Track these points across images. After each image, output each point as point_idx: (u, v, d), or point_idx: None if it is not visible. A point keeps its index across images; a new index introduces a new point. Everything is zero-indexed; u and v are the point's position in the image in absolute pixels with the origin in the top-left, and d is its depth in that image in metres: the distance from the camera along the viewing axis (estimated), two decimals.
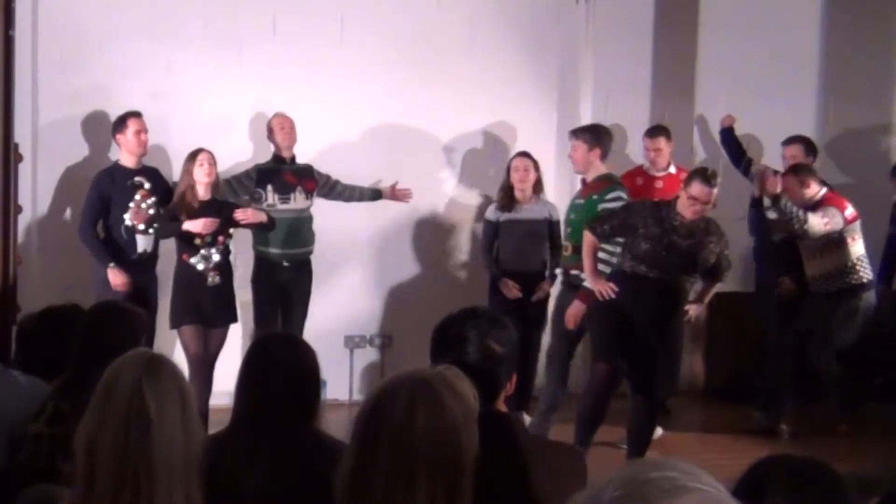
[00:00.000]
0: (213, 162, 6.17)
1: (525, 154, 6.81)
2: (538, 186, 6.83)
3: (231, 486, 2.78)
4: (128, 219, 6.31)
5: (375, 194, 7.07)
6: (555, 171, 7.55)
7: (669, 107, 7.78)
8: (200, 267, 6.13)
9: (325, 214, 6.89)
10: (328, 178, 6.89)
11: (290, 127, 6.72)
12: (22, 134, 5.89)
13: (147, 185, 6.39)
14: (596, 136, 6.31)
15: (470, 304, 2.88)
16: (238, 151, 6.95)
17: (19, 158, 5.52)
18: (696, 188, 5.42)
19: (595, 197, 6.14)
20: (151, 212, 6.36)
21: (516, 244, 6.72)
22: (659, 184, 6.96)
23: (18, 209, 5.61)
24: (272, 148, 6.74)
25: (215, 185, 6.23)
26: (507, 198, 6.76)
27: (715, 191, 5.43)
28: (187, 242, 6.12)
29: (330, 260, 7.13)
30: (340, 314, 7.22)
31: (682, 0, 7.90)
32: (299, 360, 2.93)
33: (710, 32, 7.79)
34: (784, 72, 7.84)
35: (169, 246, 6.36)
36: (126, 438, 2.13)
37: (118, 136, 6.43)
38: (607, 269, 5.77)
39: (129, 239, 6.33)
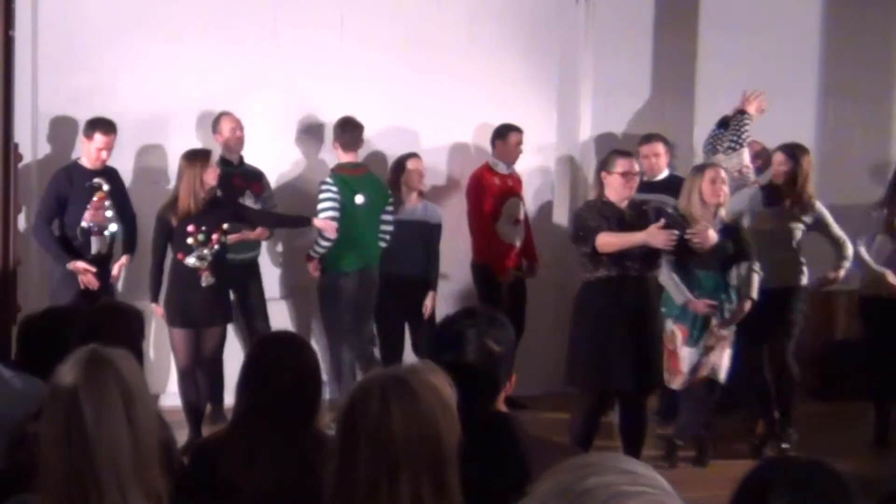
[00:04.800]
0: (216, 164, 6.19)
1: (418, 155, 6.85)
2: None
3: (231, 485, 2.79)
4: (85, 220, 6.30)
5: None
6: (555, 171, 7.54)
7: (669, 107, 7.78)
8: (195, 266, 6.06)
9: None
10: (271, 196, 6.87)
11: (239, 128, 6.70)
12: (22, 134, 5.88)
13: (106, 188, 6.37)
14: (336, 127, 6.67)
15: (468, 304, 2.88)
16: None
17: (19, 158, 5.50)
18: (622, 164, 5.40)
19: None
20: (109, 214, 6.34)
21: (399, 247, 6.68)
22: (496, 180, 7.05)
23: (18, 209, 5.59)
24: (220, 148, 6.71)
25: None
26: (397, 199, 6.74)
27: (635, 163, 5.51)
28: (182, 241, 6.04)
29: None
30: None
31: (682, 0, 7.90)
32: (300, 360, 2.94)
33: (710, 33, 7.79)
34: (784, 72, 7.84)
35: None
36: (68, 445, 2.11)
37: (84, 139, 6.40)
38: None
39: (83, 240, 6.32)
